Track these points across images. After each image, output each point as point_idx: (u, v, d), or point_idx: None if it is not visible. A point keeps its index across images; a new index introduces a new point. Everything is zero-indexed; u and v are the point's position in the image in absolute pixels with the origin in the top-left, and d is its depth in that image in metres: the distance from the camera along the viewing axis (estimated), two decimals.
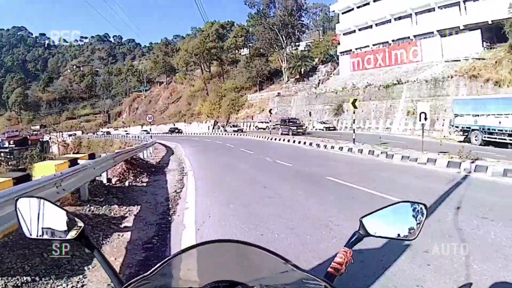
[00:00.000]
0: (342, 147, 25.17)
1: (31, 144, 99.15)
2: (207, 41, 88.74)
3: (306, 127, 48.21)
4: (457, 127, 29.88)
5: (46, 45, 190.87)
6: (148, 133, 78.23)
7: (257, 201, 10.31)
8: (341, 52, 63.47)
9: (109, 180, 13.46)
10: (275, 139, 38.47)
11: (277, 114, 61.09)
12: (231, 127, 67.06)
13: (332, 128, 50.07)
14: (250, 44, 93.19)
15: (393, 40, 53.81)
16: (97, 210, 8.75)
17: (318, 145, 28.65)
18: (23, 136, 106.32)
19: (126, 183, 13.78)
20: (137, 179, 15.07)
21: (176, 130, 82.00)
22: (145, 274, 1.35)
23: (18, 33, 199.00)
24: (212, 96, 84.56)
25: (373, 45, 57.35)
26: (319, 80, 66.09)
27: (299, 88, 67.91)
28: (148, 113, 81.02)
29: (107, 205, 9.36)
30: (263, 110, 68.53)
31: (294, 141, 33.61)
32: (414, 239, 1.64)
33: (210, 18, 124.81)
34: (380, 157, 20.38)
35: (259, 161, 21.45)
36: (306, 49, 78.32)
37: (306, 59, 71.39)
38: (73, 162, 10.41)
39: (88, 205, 9.05)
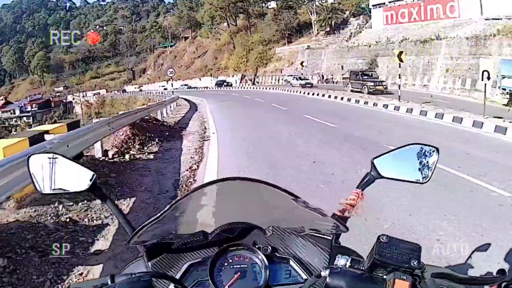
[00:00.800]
0: (387, 105, 22.83)
1: (54, 106, 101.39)
2: None
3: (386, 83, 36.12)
4: (504, 89, 27.31)
5: (67, 8, 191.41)
6: (190, 87, 77.03)
7: (309, 191, 7.30)
8: (373, 5, 59.94)
9: (105, 152, 10.69)
10: (307, 93, 36.80)
11: (307, 68, 59.22)
12: (297, 79, 50.33)
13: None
14: None
15: None
16: (66, 212, 6.02)
17: (357, 101, 26.55)
18: (46, 98, 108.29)
19: (127, 156, 10.90)
20: (145, 148, 12.39)
21: (225, 83, 73.47)
22: (156, 216, 1.27)
23: None
24: (239, 49, 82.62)
25: None
26: (351, 33, 63.38)
27: (329, 41, 65.35)
28: (173, 68, 79.51)
29: (85, 201, 6.40)
30: (292, 63, 66.40)
31: (329, 96, 31.77)
32: (426, 182, 1.56)
33: None
34: (435, 119, 17.74)
35: (296, 120, 18.63)
36: (336, 1, 75.12)
37: (337, 12, 68.93)
38: (37, 139, 7.92)
39: (56, 202, 6.21)
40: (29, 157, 1.55)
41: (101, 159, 10.06)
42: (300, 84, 46.80)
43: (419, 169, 1.56)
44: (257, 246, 1.34)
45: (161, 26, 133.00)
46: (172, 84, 48.23)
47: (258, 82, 69.41)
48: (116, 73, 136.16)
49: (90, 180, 1.48)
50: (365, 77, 34.90)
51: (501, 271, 1.08)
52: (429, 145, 1.57)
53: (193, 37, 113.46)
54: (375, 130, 14.85)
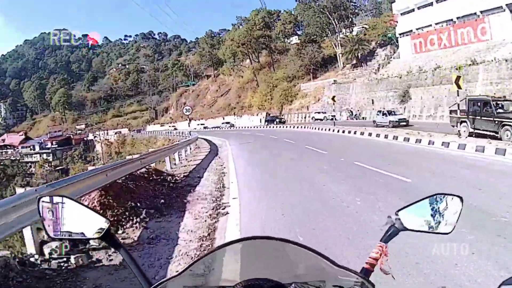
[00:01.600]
0: (447, 143, 18.25)
1: (74, 143, 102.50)
2: (254, 29, 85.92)
3: None
4: None
5: (89, 46, 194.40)
6: (233, 125, 76.57)
7: None
8: (400, 34, 58.91)
9: (40, 246, 6.07)
10: (337, 131, 34.13)
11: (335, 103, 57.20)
12: (385, 114, 36.02)
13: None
14: (299, 33, 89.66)
15: (457, 18, 48.65)
16: None
17: (407, 139, 22.08)
18: (67, 135, 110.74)
19: (73, 259, 5.89)
20: (118, 232, 7.54)
21: (277, 120, 64.57)
22: (177, 273, 1.32)
23: (61, 35, 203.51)
24: (263, 87, 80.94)
25: (436, 24, 52.27)
26: (379, 64, 61.30)
27: (357, 74, 63.49)
28: (195, 108, 77.60)
29: None
30: (318, 100, 64.56)
31: (362, 133, 29.05)
32: (449, 232, 1.54)
33: (257, 7, 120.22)
34: None
35: (346, 171, 13.76)
36: (361, 32, 73.67)
37: (363, 43, 67.09)
38: None
39: None
40: (39, 197, 1.51)
41: (28, 260, 5.47)
42: (390, 121, 34.18)
43: (444, 220, 1.54)
44: None
45: (183, 65, 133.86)
46: (189, 124, 45.06)
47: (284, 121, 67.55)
48: (139, 112, 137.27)
49: (103, 228, 1.45)
50: (499, 109, 19.67)
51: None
52: (453, 194, 1.55)
53: (215, 75, 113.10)
54: (469, 185, 10.00)
